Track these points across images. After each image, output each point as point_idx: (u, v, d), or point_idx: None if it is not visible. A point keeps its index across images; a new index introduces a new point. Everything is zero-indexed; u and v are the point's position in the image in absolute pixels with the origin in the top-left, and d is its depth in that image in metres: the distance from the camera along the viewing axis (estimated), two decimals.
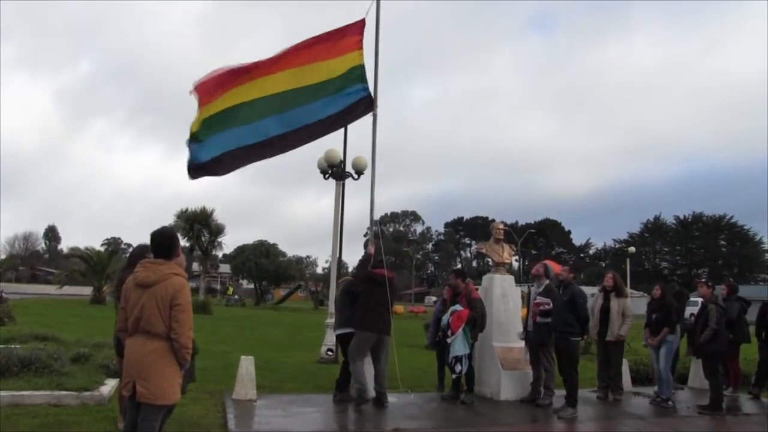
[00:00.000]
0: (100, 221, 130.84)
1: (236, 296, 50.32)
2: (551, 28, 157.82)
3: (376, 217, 8.75)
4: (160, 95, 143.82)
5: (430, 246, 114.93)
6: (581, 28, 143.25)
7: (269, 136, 7.83)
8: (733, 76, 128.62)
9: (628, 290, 10.66)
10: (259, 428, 6.80)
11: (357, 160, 13.53)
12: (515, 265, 71.85)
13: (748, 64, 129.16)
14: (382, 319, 7.97)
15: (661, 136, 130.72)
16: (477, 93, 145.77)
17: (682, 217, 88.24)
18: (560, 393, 8.34)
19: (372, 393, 8.02)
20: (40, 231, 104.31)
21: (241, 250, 57.80)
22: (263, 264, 53.19)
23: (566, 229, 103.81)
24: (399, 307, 44.02)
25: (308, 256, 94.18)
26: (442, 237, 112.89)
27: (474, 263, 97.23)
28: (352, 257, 60.40)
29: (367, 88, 8.17)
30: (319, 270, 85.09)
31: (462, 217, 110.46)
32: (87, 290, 33.67)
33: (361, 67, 8.10)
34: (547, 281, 8.76)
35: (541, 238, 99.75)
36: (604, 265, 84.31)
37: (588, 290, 14.00)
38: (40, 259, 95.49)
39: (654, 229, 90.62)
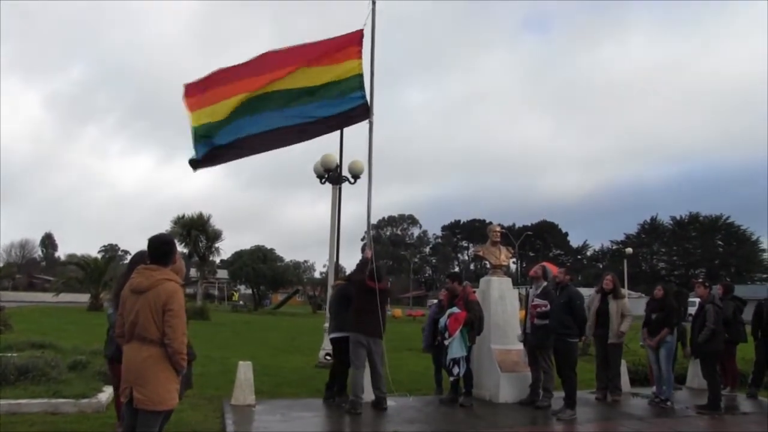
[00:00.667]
0: (96, 228, 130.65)
1: (241, 302, 50.26)
2: (547, 28, 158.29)
3: (373, 221, 8.79)
4: (153, 99, 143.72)
5: (427, 249, 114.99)
6: (577, 29, 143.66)
7: (267, 129, 7.92)
8: (729, 77, 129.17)
9: (625, 291, 10.66)
10: None
11: (353, 165, 13.54)
12: (513, 267, 71.94)
13: (745, 64, 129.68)
14: (372, 322, 8.00)
15: (657, 136, 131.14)
16: (472, 94, 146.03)
17: (678, 218, 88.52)
18: (559, 395, 8.34)
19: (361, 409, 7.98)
20: (37, 239, 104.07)
21: (239, 255, 57.73)
22: (261, 269, 53.12)
23: (563, 231, 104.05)
24: (397, 311, 44.02)
25: (306, 261, 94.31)
26: (439, 240, 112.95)
27: (471, 266, 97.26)
28: (350, 261, 60.32)
29: (364, 96, 8.30)
30: (316, 274, 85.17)
31: (459, 220, 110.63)
32: (84, 297, 33.55)
33: (360, 76, 8.25)
34: (545, 283, 8.76)
35: (539, 241, 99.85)
36: (601, 266, 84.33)
37: (586, 292, 14.00)
38: (37, 266, 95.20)
39: (651, 230, 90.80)
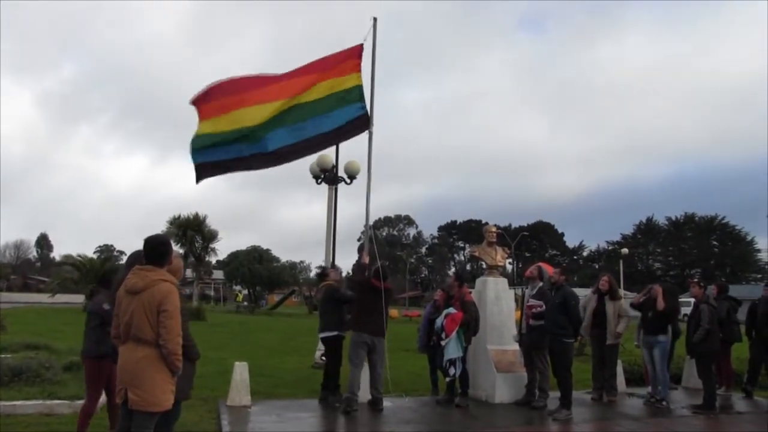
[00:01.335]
0: (92, 228, 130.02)
1: (245, 303, 50.16)
2: (543, 28, 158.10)
3: (369, 221, 8.81)
4: (147, 98, 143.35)
5: (423, 250, 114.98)
6: (573, 28, 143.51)
7: (270, 149, 8.14)
8: (726, 77, 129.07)
9: (622, 292, 10.68)
10: None
11: (349, 165, 13.54)
12: (509, 267, 71.95)
13: (742, 64, 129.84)
14: (376, 322, 8.05)
15: (652, 136, 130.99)
16: (468, 94, 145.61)
17: (674, 218, 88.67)
18: (555, 395, 8.35)
19: (356, 406, 8.00)
20: (32, 239, 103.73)
21: (235, 256, 57.67)
22: (257, 269, 53.12)
23: (559, 231, 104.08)
24: (394, 311, 44.03)
25: (302, 261, 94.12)
26: (435, 241, 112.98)
27: (468, 266, 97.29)
28: (346, 262, 60.50)
29: (364, 107, 8.50)
30: (312, 275, 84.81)
31: (455, 221, 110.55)
32: (79, 298, 33.37)
33: (359, 87, 8.48)
34: (541, 284, 8.78)
35: (535, 241, 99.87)
36: (597, 266, 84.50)
37: (582, 292, 14.03)
38: (32, 267, 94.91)
39: (647, 231, 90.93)
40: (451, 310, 8.59)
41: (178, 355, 4.22)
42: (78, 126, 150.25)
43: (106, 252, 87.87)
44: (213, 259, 53.28)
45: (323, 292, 8.97)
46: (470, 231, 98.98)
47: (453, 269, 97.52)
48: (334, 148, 13.89)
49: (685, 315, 10.37)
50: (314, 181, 13.63)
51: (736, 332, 10.37)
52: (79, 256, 33.89)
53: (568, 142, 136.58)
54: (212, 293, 68.47)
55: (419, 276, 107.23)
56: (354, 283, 8.70)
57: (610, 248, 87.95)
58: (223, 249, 68.71)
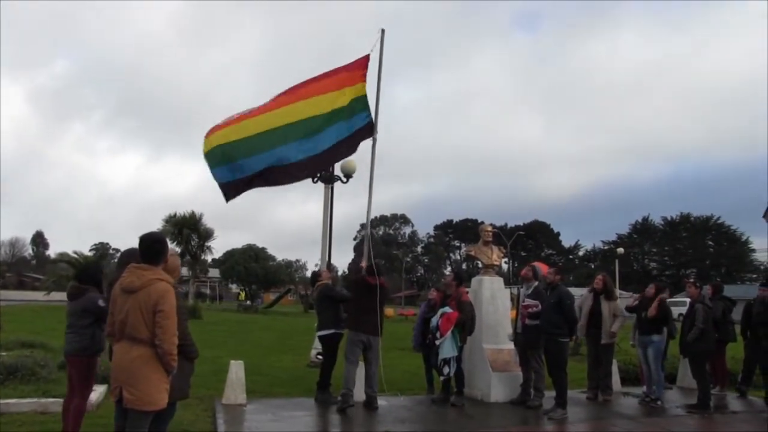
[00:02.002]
0: (87, 226, 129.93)
1: (249, 301, 50.06)
2: (537, 26, 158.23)
3: (365, 220, 8.84)
4: (140, 96, 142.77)
5: (419, 249, 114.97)
6: (568, 26, 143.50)
7: (283, 163, 8.42)
8: (721, 76, 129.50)
9: (617, 291, 10.72)
10: None
11: (345, 164, 13.53)
12: (504, 267, 72.04)
13: (737, 64, 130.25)
14: (372, 321, 8.09)
15: (648, 136, 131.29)
16: (463, 93, 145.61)
17: (670, 218, 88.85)
18: (550, 394, 8.37)
19: (353, 401, 8.01)
20: (27, 237, 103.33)
21: (231, 254, 57.64)
22: (253, 268, 53.10)
23: (555, 230, 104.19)
24: (389, 310, 44.03)
25: (297, 260, 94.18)
26: (431, 240, 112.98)
27: (464, 266, 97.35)
28: (341, 260, 60.39)
29: (369, 115, 8.69)
30: (308, 273, 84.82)
31: (451, 220, 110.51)
32: None
33: (364, 97, 8.70)
34: (537, 283, 8.79)
35: (530, 240, 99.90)
36: (593, 266, 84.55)
37: (577, 291, 14.06)
38: (27, 265, 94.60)
39: (642, 230, 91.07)
40: (447, 309, 8.58)
41: (174, 355, 4.22)
42: (72, 123, 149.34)
43: (102, 250, 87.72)
44: (209, 258, 53.28)
45: (318, 291, 9.00)
46: (466, 230, 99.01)
47: (450, 268, 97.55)
48: None
49: (680, 315, 10.41)
50: (310, 179, 13.61)
51: (731, 332, 10.41)
52: (75, 253, 33.74)
53: (564, 141, 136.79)
54: (208, 291, 68.36)
55: (415, 275, 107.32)
56: (350, 281, 8.75)
57: (605, 248, 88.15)
58: (219, 247, 68.69)
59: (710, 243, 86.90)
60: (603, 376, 9.52)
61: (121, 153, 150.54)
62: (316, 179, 13.52)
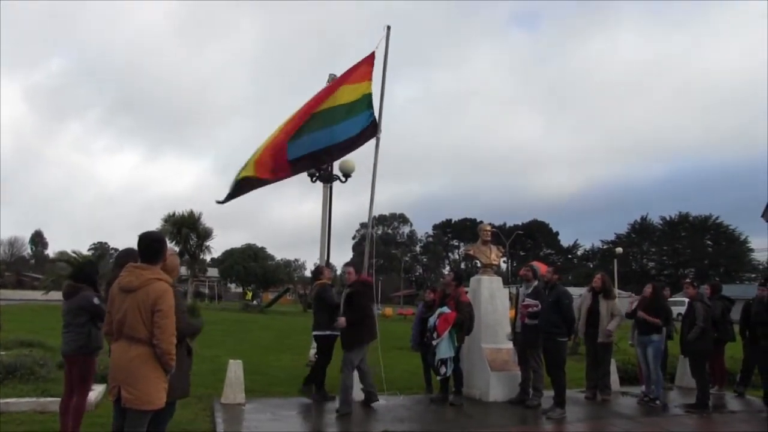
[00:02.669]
0: (86, 226, 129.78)
1: (254, 301, 49.94)
2: (536, 24, 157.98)
3: (364, 220, 8.88)
4: (137, 95, 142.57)
5: (418, 248, 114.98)
6: (566, 25, 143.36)
7: (291, 158, 8.48)
8: (720, 76, 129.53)
9: (616, 291, 10.73)
10: None
11: (344, 163, 13.49)
12: (503, 266, 72.00)
13: (735, 63, 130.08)
14: (371, 328, 8.19)
15: (647, 135, 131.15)
16: (462, 92, 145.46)
17: (668, 218, 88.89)
18: (549, 394, 8.37)
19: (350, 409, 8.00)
20: (26, 236, 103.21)
21: (230, 253, 57.58)
22: (251, 267, 53.03)
23: (554, 230, 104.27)
24: (388, 310, 44.03)
25: (296, 259, 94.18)
26: (430, 239, 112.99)
27: (462, 265, 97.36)
28: (340, 260, 60.34)
29: (372, 114, 8.73)
30: (307, 273, 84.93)
31: (450, 219, 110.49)
32: None
33: (369, 95, 8.73)
34: (536, 283, 8.78)
35: (529, 240, 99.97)
36: (592, 266, 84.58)
37: (576, 291, 14.07)
38: (26, 264, 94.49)
39: (641, 230, 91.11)
40: (445, 309, 8.57)
41: (172, 354, 4.21)
42: (69, 122, 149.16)
43: (101, 249, 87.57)
44: (208, 257, 53.30)
45: (315, 291, 9.00)
46: (465, 229, 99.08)
47: (448, 268, 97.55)
48: None
49: (679, 314, 10.42)
50: (309, 179, 13.60)
51: (730, 331, 10.41)
52: (74, 252, 33.69)
53: (563, 140, 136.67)
54: (207, 291, 68.34)
55: (414, 274, 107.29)
56: (358, 293, 8.59)
57: (604, 247, 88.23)
58: (217, 247, 68.73)
59: (709, 242, 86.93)
60: (602, 375, 9.53)
61: (119, 152, 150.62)
62: (314, 179, 13.51)
